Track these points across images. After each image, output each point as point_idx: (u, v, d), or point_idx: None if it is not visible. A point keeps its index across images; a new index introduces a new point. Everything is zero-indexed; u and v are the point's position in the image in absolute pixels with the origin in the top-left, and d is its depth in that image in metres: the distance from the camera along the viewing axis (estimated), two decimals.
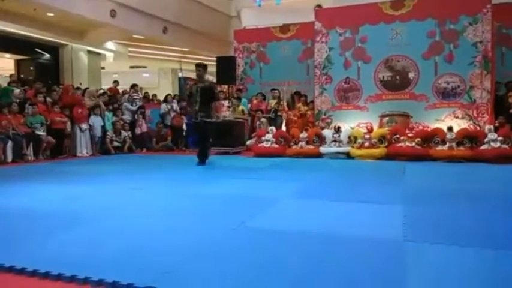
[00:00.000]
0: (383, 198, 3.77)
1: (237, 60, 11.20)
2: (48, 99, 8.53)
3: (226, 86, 10.71)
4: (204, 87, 6.52)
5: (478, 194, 3.94)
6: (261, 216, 3.13)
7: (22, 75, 13.03)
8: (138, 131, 9.70)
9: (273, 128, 8.61)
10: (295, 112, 9.92)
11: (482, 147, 6.77)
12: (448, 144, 6.89)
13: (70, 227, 2.80)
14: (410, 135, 7.30)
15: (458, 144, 6.89)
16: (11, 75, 9.68)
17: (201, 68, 6.61)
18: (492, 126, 7.17)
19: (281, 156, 7.85)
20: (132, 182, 4.91)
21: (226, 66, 10.28)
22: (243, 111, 9.92)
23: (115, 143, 9.17)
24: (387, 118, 8.35)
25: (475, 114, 8.24)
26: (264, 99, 10.40)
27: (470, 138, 6.98)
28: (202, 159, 6.55)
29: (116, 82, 11.29)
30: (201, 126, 6.54)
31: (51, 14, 10.90)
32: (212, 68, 12.42)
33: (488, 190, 4.24)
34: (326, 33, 9.40)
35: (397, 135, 7.38)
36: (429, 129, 7.82)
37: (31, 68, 13.54)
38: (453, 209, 3.29)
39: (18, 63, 13.59)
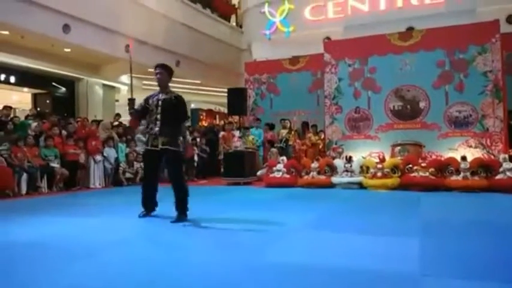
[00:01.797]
0: (398, 230, 3.69)
1: (248, 91, 11.37)
2: (64, 132, 8.71)
3: (237, 117, 10.83)
4: (168, 99, 4.40)
5: (496, 225, 3.84)
6: (272, 249, 3.08)
7: (39, 108, 13.37)
8: None
9: (284, 158, 8.60)
10: (304, 141, 9.94)
11: (498, 177, 6.64)
12: (462, 174, 6.78)
13: (84, 260, 2.79)
14: (423, 164, 7.20)
15: (473, 173, 6.77)
16: (31, 110, 9.95)
17: (164, 70, 4.51)
18: (507, 155, 7.06)
19: (292, 187, 7.81)
20: None
21: (237, 97, 10.43)
22: (252, 140, 9.93)
23: (127, 174, 9.24)
24: (399, 147, 8.30)
25: (488, 143, 8.15)
26: (271, 129, 10.47)
27: (485, 168, 6.86)
28: (181, 212, 4.28)
29: (118, 115, 11.34)
30: (162, 158, 4.37)
31: (68, 50, 11.29)
32: (224, 99, 12.62)
33: (506, 221, 4.13)
34: (335, 64, 9.54)
35: (410, 165, 7.29)
36: (442, 159, 7.73)
37: (47, 101, 13.89)
38: (471, 241, 3.20)
39: (35, 96, 13.98)
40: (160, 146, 4.31)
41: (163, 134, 4.32)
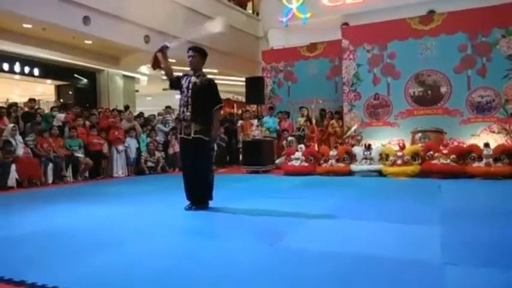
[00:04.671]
0: (419, 217, 3.70)
1: (265, 79, 11.35)
2: (87, 123, 8.93)
3: (255, 106, 10.86)
4: (198, 84, 4.28)
5: None
6: (292, 235, 3.14)
7: (62, 100, 13.70)
8: (170, 151, 9.95)
9: (302, 146, 8.61)
10: (322, 129, 9.86)
11: None
12: (484, 160, 6.67)
13: (107, 249, 2.89)
14: (444, 151, 7.10)
15: (496, 160, 6.65)
16: (55, 101, 10.19)
17: (197, 53, 4.37)
18: None
19: (311, 175, 7.83)
20: (166, 201, 5.02)
21: (254, 86, 10.45)
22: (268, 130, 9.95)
23: (149, 163, 9.44)
24: (420, 134, 8.19)
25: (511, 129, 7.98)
26: (288, 117, 10.46)
27: (509, 154, 6.72)
28: (202, 201, 4.33)
29: (127, 107, 11.39)
30: (195, 148, 4.20)
31: (89, 42, 11.47)
32: (241, 88, 12.61)
33: None
34: (354, 50, 9.43)
35: (431, 152, 7.20)
36: (464, 145, 7.61)
37: (70, 92, 14.22)
38: (494, 229, 3.18)
39: (58, 88, 14.32)
40: (192, 135, 4.21)
41: (196, 120, 4.20)
